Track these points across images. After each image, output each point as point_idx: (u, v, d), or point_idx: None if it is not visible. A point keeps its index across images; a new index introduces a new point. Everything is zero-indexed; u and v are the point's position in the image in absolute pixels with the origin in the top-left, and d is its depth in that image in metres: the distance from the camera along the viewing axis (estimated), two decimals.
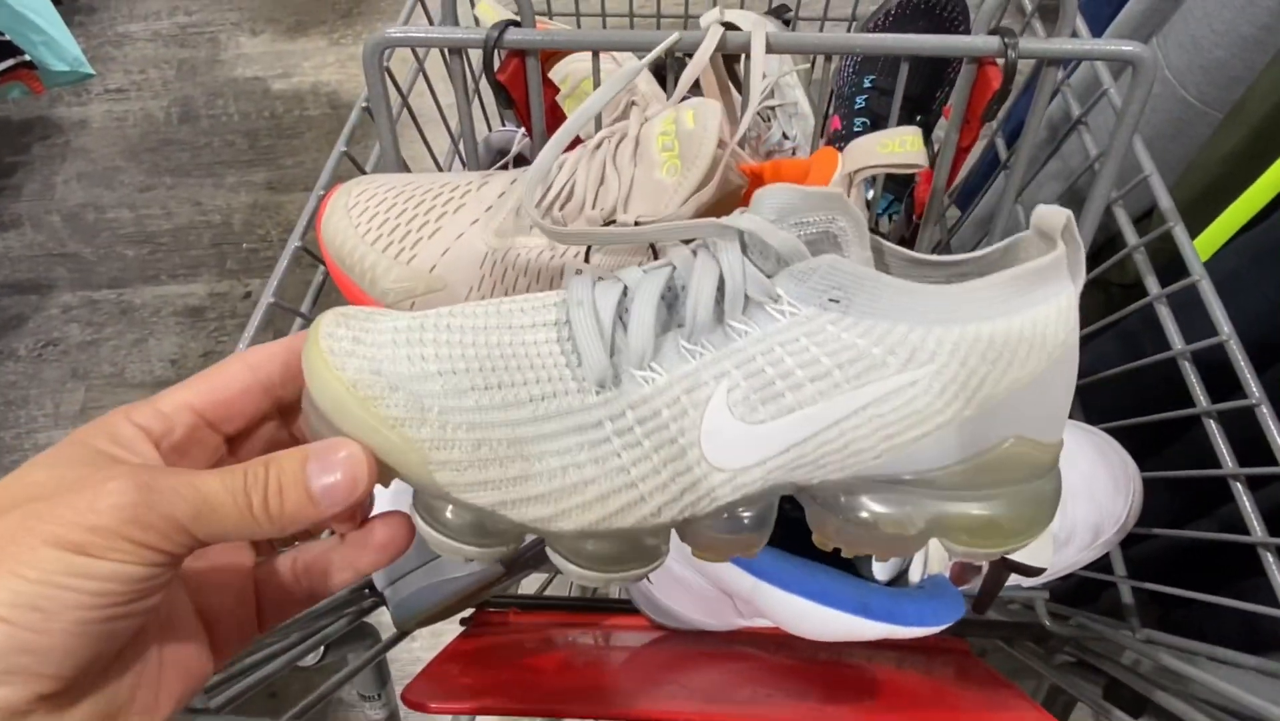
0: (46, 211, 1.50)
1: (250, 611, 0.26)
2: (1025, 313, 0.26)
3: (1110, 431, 0.53)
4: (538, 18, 0.78)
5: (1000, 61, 0.43)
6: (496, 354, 0.26)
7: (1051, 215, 0.26)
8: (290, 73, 1.65)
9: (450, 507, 0.26)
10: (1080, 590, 0.67)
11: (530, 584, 0.67)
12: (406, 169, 0.54)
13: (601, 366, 0.25)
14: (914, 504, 0.29)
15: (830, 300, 0.25)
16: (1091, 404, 0.58)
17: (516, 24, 0.46)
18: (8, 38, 1.02)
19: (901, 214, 0.72)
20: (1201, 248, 0.64)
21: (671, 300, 0.27)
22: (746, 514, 0.28)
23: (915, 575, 0.38)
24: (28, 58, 1.06)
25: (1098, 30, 0.82)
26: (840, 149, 0.73)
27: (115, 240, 1.47)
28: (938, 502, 0.29)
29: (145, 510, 0.20)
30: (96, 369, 1.36)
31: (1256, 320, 0.66)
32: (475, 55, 0.47)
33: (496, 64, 0.47)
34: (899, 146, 0.42)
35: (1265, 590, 0.42)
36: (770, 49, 0.45)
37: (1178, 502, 0.66)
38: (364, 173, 0.58)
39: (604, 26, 0.80)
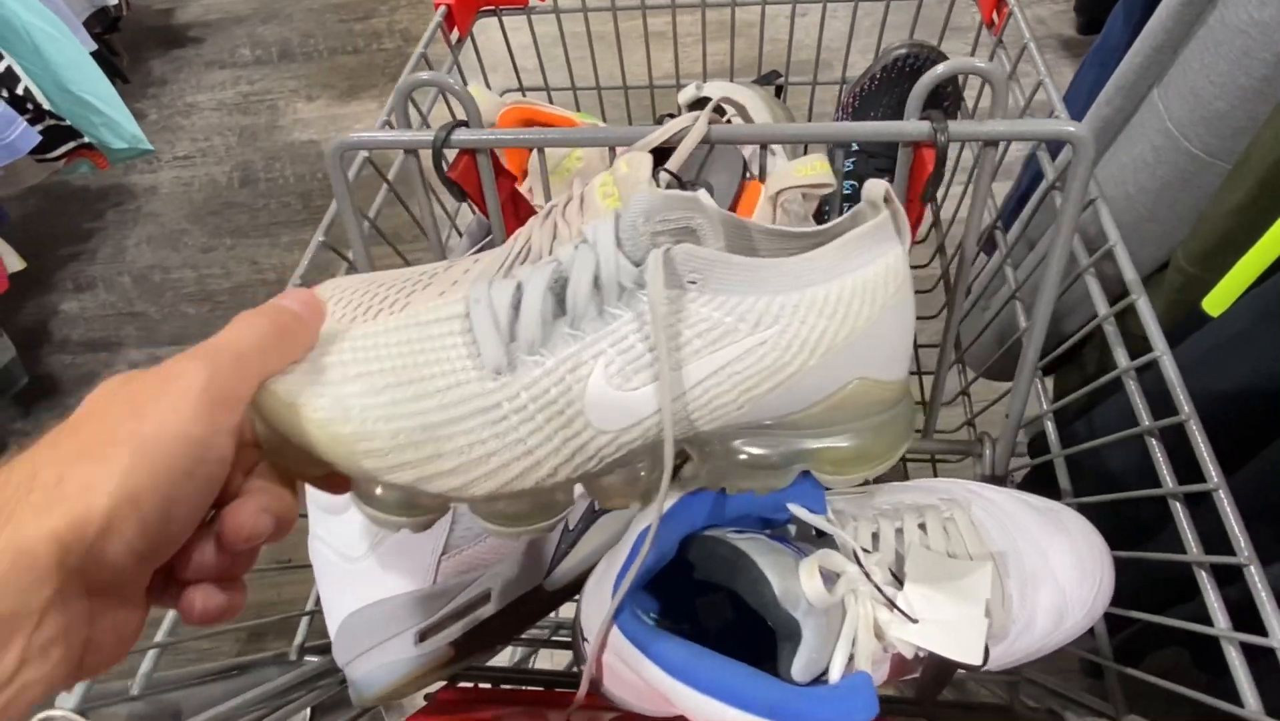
0: (118, 273, 1.61)
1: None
2: (856, 272, 0.31)
3: (1089, 508, 0.51)
4: (531, 93, 0.81)
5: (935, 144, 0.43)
6: (407, 350, 0.30)
7: (874, 188, 0.31)
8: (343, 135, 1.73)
9: (379, 487, 0.31)
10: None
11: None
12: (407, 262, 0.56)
13: (497, 355, 0.30)
14: (781, 443, 0.34)
15: (689, 281, 0.30)
16: (1080, 477, 0.56)
17: (464, 124, 0.48)
18: (69, 122, 1.11)
19: None
20: (1213, 304, 0.62)
21: (559, 291, 0.31)
22: (640, 465, 0.33)
23: (835, 674, 0.37)
24: (88, 140, 1.14)
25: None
26: (825, 211, 0.73)
27: (178, 300, 1.56)
28: (801, 440, 0.34)
29: None
30: None
31: (1268, 380, 0.63)
32: None
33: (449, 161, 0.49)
34: (810, 170, 0.49)
35: None
36: (708, 140, 0.46)
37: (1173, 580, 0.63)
38: (345, 260, 0.61)
39: (599, 99, 0.83)
